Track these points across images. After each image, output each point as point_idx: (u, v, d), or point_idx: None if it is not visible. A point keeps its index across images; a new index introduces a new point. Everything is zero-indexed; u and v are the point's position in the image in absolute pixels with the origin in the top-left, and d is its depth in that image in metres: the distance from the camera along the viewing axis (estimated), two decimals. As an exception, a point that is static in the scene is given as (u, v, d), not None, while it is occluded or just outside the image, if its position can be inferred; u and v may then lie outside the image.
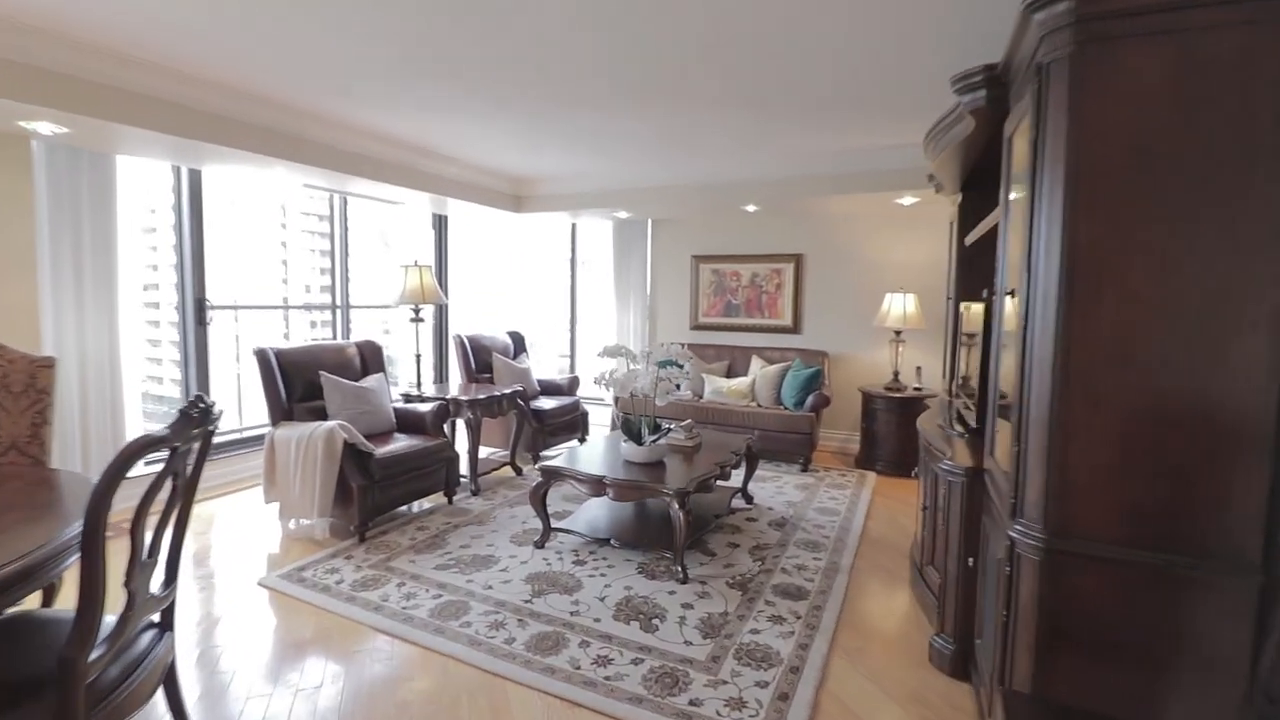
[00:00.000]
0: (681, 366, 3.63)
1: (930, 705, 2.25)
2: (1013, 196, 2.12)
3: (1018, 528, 1.72)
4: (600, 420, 6.50)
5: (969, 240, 3.46)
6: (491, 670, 2.38)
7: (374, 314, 6.51)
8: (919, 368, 5.40)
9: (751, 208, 5.61)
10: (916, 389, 5.29)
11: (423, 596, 2.93)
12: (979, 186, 3.57)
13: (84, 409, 3.72)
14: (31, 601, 1.98)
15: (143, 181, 4.62)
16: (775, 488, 4.72)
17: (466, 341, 5.47)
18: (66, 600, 1.87)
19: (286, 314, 5.80)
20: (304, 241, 5.97)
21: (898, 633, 2.73)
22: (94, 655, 1.41)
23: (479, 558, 3.37)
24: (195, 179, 4.42)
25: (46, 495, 1.93)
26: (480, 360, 5.51)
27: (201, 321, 4.50)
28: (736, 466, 3.93)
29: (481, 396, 4.52)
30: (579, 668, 2.39)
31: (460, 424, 4.66)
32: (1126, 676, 1.60)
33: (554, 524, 3.57)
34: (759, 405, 5.56)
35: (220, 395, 5.15)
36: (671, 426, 3.90)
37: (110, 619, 1.53)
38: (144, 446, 1.32)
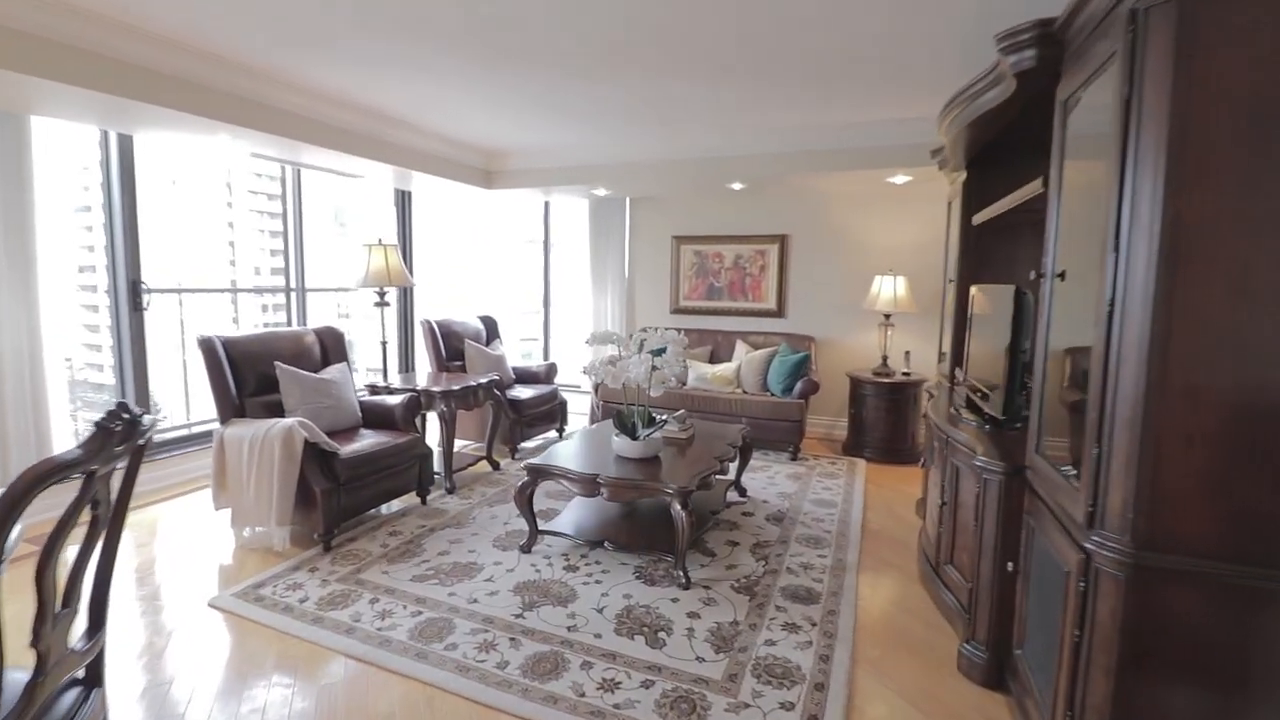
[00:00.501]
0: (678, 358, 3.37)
1: (968, 722, 2.08)
2: (1068, 169, 1.92)
3: (1095, 539, 1.53)
4: (579, 409, 6.21)
5: (978, 220, 3.28)
6: (484, 701, 2.10)
7: (330, 297, 6.07)
8: (908, 352, 5.26)
9: (738, 185, 5.35)
10: (905, 374, 5.16)
11: (400, 614, 2.62)
12: (984, 164, 3.39)
13: (-1, 407, 3.28)
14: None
15: (73, 151, 4.11)
16: (767, 478, 4.52)
17: (436, 327, 5.10)
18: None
19: (235, 298, 5.33)
20: (253, 221, 5.48)
21: (920, 639, 2.56)
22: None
23: (460, 566, 3.07)
24: (126, 145, 3.92)
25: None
26: (451, 347, 5.15)
27: (137, 306, 4.03)
28: (733, 459, 3.72)
29: (456, 387, 4.19)
30: (584, 695, 2.13)
31: (432, 417, 4.32)
32: (1221, 705, 1.43)
33: (540, 525, 3.29)
34: (745, 392, 5.35)
35: (164, 386, 4.71)
36: (664, 418, 3.64)
37: (19, 677, 1.22)
38: (41, 477, 1.01)
